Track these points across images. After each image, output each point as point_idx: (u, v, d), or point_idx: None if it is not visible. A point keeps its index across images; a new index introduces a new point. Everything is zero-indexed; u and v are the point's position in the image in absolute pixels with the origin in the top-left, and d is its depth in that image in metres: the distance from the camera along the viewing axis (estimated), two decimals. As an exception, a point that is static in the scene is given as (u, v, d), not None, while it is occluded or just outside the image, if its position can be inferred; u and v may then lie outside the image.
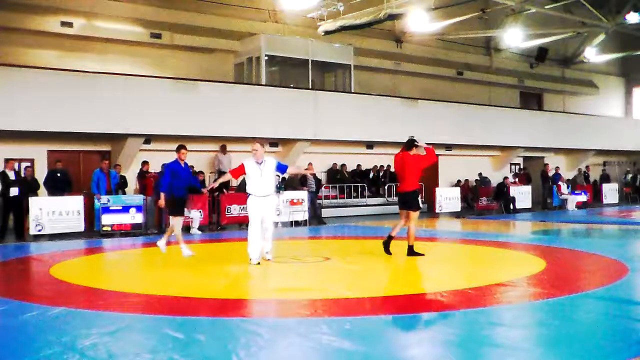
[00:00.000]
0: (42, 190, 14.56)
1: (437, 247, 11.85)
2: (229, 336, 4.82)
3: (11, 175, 13.25)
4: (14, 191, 13.09)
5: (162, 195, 9.75)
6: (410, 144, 9.31)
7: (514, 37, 24.38)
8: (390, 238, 9.38)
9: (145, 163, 15.93)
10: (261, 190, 8.78)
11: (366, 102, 20.96)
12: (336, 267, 8.70)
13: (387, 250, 9.33)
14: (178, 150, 9.83)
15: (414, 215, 9.34)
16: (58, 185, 14.35)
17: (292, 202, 16.05)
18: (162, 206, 9.97)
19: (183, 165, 9.79)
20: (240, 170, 9.00)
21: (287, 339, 4.85)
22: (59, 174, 14.43)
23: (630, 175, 27.58)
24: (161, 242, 9.97)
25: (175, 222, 9.69)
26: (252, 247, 8.77)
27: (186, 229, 14.66)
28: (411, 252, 9.25)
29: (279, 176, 16.99)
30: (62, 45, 18.06)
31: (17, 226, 13.48)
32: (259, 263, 8.70)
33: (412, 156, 9.29)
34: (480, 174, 24.24)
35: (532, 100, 30.46)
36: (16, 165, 13.91)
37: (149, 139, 17.03)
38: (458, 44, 26.67)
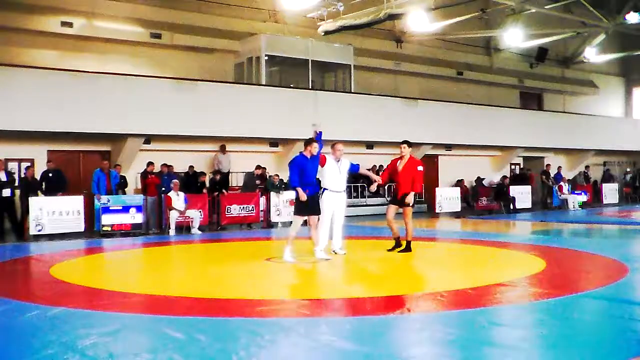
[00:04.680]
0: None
1: (437, 247, 11.85)
2: (229, 336, 4.82)
3: (2, 177, 13.20)
4: (5, 192, 13.03)
5: (299, 190, 8.78)
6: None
7: (514, 37, 24.37)
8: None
9: (150, 164, 15.90)
10: (338, 187, 9.47)
11: (366, 102, 20.95)
12: (336, 267, 8.70)
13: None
14: (309, 143, 9.05)
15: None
16: (51, 185, 14.30)
17: (292, 202, 16.02)
18: (304, 199, 8.78)
19: (311, 159, 9.04)
20: (323, 161, 9.36)
21: (287, 339, 4.84)
22: (50, 174, 14.40)
23: (630, 176, 27.58)
24: (286, 256, 8.88)
25: (296, 222, 8.99)
26: (323, 240, 9.20)
27: (186, 229, 14.70)
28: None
29: (277, 176, 17.04)
30: (62, 45, 18.05)
31: (15, 227, 13.47)
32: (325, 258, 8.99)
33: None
34: (478, 177, 24.20)
35: (532, 100, 30.44)
36: (15, 165, 13.88)
37: (149, 139, 17.02)
38: (458, 44, 26.67)
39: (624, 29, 26.26)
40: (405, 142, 9.86)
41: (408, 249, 9.72)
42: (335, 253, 9.52)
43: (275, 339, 4.82)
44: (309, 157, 9.03)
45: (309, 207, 8.91)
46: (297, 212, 9.02)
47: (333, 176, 9.43)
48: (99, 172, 14.43)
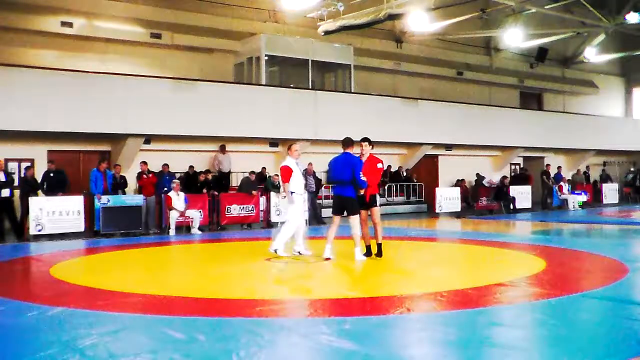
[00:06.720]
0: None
1: (437, 247, 11.85)
2: (229, 336, 4.82)
3: (1, 177, 13.17)
4: (5, 192, 13.01)
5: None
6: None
7: (514, 37, 24.37)
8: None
9: (142, 163, 15.88)
10: (301, 188, 9.48)
11: (366, 102, 20.95)
12: (336, 267, 8.70)
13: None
14: (351, 144, 8.93)
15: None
16: (52, 186, 14.27)
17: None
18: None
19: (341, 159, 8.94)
20: (289, 172, 9.33)
21: (287, 339, 4.84)
22: (52, 174, 14.38)
23: (631, 175, 27.58)
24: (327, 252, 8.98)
25: (336, 221, 9.00)
26: (286, 241, 9.30)
27: (187, 229, 14.70)
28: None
29: (277, 176, 17.03)
30: (62, 45, 18.06)
31: (15, 227, 13.46)
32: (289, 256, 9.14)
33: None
34: (477, 174, 24.21)
35: (532, 100, 30.45)
36: (15, 165, 13.84)
37: (149, 139, 17.02)
38: (458, 44, 26.67)
39: (624, 29, 26.26)
40: (365, 139, 9.09)
41: (369, 253, 9.11)
42: (300, 254, 9.44)
43: (275, 339, 4.82)
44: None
45: (334, 207, 9.02)
46: (336, 211, 9.00)
47: (296, 178, 9.40)
48: (96, 172, 14.39)
